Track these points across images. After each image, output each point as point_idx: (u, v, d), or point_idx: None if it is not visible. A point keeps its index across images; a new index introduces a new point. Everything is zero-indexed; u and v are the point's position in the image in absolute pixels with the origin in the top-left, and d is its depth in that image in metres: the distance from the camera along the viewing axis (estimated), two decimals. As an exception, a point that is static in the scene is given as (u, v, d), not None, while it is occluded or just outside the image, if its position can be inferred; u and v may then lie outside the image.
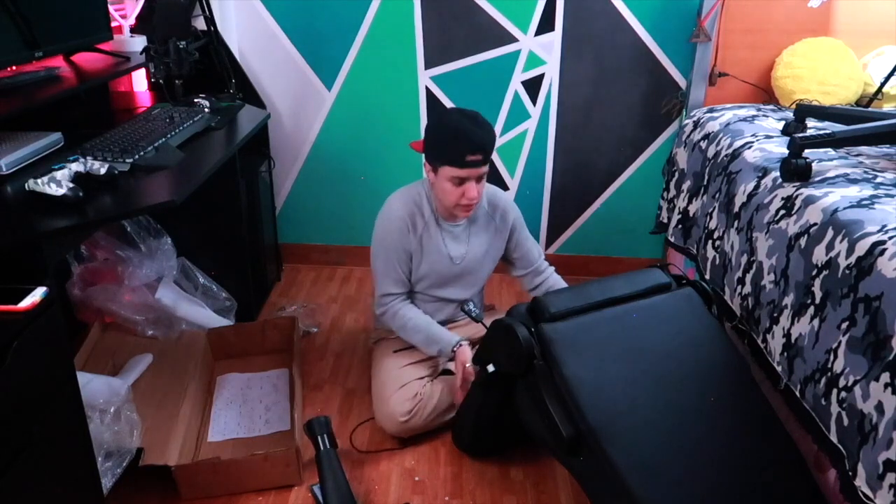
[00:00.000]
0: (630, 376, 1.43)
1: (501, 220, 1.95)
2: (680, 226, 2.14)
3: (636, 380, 1.43)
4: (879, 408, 1.08)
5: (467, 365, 1.76)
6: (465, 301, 1.89)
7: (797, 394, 1.35)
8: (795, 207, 1.46)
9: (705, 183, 1.99)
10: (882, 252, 1.16)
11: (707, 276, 1.86)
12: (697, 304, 1.59)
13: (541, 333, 1.46)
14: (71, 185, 1.33)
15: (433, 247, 1.87)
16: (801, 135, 1.66)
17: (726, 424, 1.43)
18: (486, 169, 1.76)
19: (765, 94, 2.36)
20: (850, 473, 1.15)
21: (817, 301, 1.31)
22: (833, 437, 1.22)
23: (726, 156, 1.86)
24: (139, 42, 2.09)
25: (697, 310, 1.58)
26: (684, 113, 2.43)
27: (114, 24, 2.06)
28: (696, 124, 2.19)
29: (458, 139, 1.70)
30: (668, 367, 1.47)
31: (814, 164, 1.56)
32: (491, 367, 1.57)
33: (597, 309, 1.53)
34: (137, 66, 2.01)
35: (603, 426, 1.34)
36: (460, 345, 1.80)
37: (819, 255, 1.33)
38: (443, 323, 1.96)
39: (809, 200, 1.43)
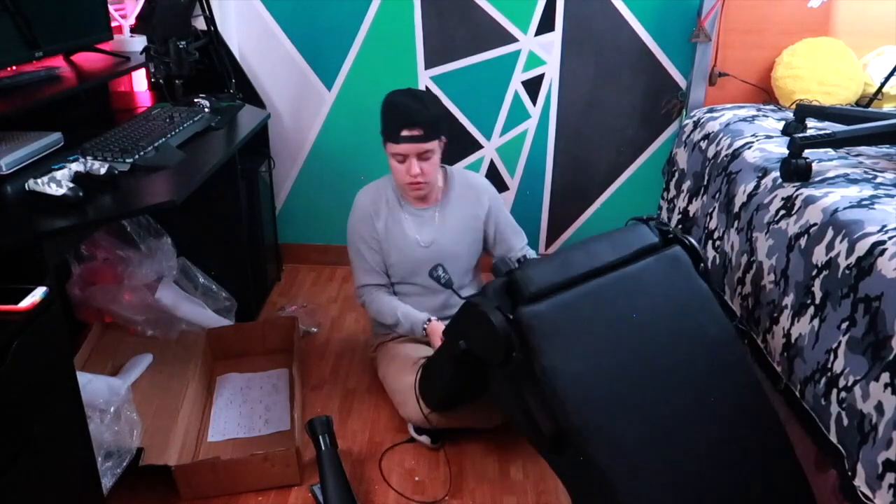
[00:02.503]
0: (617, 363, 1.31)
1: (477, 200, 1.94)
2: (680, 226, 2.14)
3: (623, 366, 1.31)
4: (879, 408, 1.08)
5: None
6: (435, 266, 1.73)
7: (797, 394, 1.35)
8: (795, 207, 1.46)
9: (705, 183, 1.99)
10: (882, 252, 1.16)
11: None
12: (686, 266, 1.47)
13: (519, 319, 1.30)
14: (71, 185, 1.33)
15: (397, 231, 1.89)
16: (801, 135, 1.66)
17: (718, 412, 1.35)
18: (428, 146, 1.73)
19: (765, 94, 2.36)
20: (850, 473, 1.15)
21: (817, 301, 1.31)
22: (833, 437, 1.22)
23: (726, 156, 1.86)
24: (139, 42, 2.09)
25: (687, 274, 1.46)
26: (684, 113, 2.43)
27: (114, 24, 2.06)
28: (696, 124, 2.19)
29: (392, 115, 1.73)
30: (658, 346, 1.36)
31: (814, 165, 1.56)
32: (464, 344, 1.43)
33: (581, 282, 1.37)
34: (137, 66, 2.01)
35: (587, 424, 1.24)
36: (430, 321, 1.80)
37: (819, 255, 1.33)
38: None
39: (809, 200, 1.43)
